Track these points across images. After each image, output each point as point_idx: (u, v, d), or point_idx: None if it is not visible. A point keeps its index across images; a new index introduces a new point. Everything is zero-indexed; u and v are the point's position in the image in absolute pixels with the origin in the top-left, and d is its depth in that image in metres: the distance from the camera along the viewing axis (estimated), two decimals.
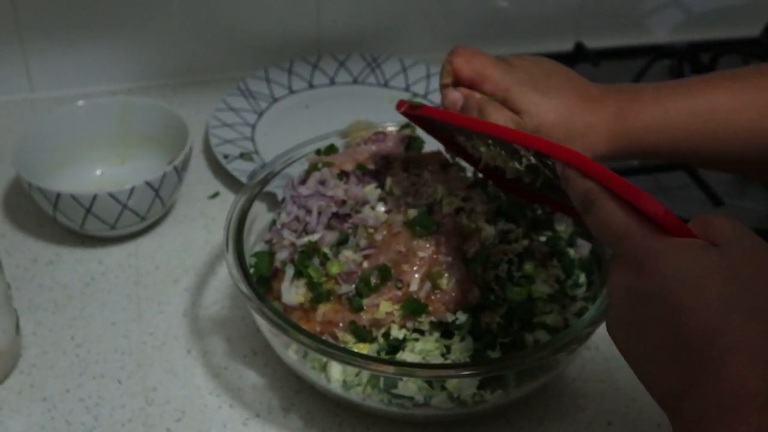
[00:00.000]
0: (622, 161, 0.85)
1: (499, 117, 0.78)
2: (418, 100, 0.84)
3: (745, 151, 0.81)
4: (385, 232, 0.84)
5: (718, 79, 0.83)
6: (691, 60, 1.42)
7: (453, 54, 0.83)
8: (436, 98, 1.29)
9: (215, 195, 1.14)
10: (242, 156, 1.16)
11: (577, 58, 1.42)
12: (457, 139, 0.85)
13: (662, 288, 0.56)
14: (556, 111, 0.79)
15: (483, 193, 0.88)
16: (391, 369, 0.76)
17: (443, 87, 0.83)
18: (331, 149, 0.96)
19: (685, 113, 0.80)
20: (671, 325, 0.55)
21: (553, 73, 0.83)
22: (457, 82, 0.82)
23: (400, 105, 0.86)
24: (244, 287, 0.82)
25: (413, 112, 0.84)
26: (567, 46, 1.43)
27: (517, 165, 0.79)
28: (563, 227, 0.92)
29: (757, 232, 1.06)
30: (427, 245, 0.83)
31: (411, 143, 0.93)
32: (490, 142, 0.79)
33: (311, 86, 1.32)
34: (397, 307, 0.81)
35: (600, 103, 0.81)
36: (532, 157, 0.75)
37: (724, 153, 0.81)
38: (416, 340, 0.81)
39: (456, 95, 0.81)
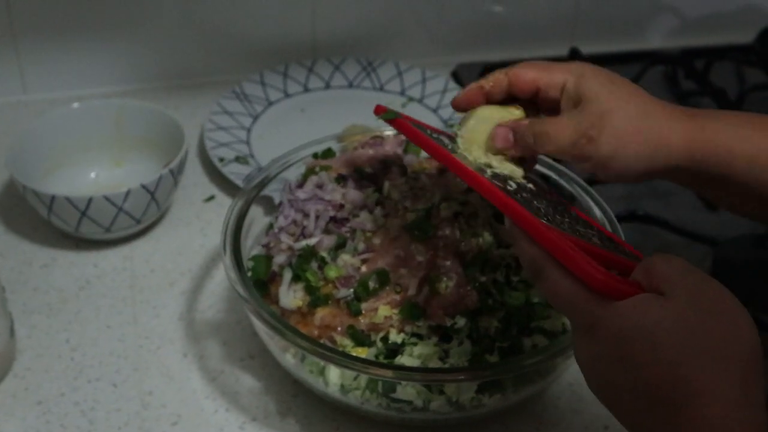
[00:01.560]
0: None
1: (559, 126, 0.73)
2: (397, 111, 0.83)
3: None
4: (382, 236, 0.84)
5: None
6: (685, 66, 1.42)
7: (510, 67, 0.78)
8: (431, 103, 1.29)
9: (211, 198, 1.13)
10: (238, 159, 1.15)
11: None
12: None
13: (617, 350, 0.57)
14: (629, 98, 0.73)
15: (480, 198, 0.88)
16: (389, 373, 0.76)
17: (477, 89, 0.79)
18: (328, 153, 0.96)
19: (755, 137, 0.73)
20: (636, 383, 0.56)
21: (617, 75, 0.76)
22: (510, 97, 0.78)
23: (377, 111, 0.84)
24: (241, 289, 0.82)
25: (389, 123, 0.83)
26: (562, 51, 1.43)
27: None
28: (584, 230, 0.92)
29: (754, 237, 1.08)
30: (425, 249, 0.83)
31: (409, 147, 0.93)
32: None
33: (306, 90, 1.32)
34: (395, 311, 0.81)
35: (672, 105, 0.75)
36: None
37: None
38: (415, 344, 0.81)
39: (503, 131, 0.76)
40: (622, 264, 0.67)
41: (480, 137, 0.78)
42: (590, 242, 0.70)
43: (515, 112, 0.78)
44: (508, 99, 0.79)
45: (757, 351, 0.56)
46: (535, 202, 0.72)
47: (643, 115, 0.72)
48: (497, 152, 0.77)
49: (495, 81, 0.78)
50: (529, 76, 0.77)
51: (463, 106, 0.80)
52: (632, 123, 0.72)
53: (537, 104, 0.79)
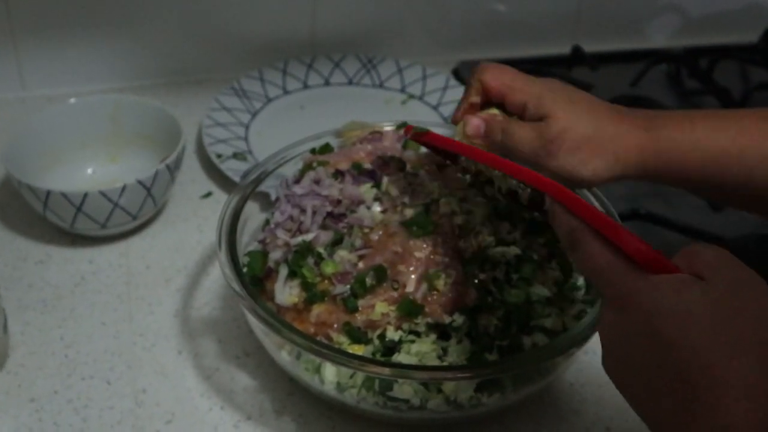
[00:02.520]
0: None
1: (524, 133, 0.79)
2: (424, 126, 0.87)
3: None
4: (381, 233, 0.83)
5: (749, 116, 0.80)
6: (688, 65, 1.41)
7: (480, 70, 0.84)
8: (431, 100, 1.28)
9: (208, 195, 1.12)
10: (235, 156, 1.15)
11: (574, 61, 1.41)
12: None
13: (648, 326, 0.56)
14: (585, 116, 0.79)
15: (481, 194, 0.87)
16: (386, 371, 0.75)
17: (468, 108, 0.84)
18: (326, 148, 0.95)
19: (713, 142, 0.78)
20: (661, 362, 0.55)
21: (580, 92, 0.82)
22: (485, 100, 0.84)
23: (407, 131, 0.89)
24: (236, 286, 0.80)
25: (418, 140, 0.88)
26: (564, 49, 1.42)
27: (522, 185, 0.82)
28: None
29: (757, 237, 1.07)
30: (424, 246, 0.82)
31: (407, 143, 0.92)
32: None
33: (306, 87, 1.31)
34: (392, 308, 0.80)
35: (628, 115, 0.80)
36: None
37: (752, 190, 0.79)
38: (412, 341, 0.79)
39: (477, 121, 0.82)
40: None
41: None
42: None
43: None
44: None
45: None
46: None
47: (599, 131, 0.78)
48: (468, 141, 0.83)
49: (476, 90, 0.84)
50: (495, 86, 0.83)
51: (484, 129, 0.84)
52: (588, 140, 0.78)
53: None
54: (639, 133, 0.78)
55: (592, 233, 0.62)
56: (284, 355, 0.82)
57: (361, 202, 0.85)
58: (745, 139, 0.77)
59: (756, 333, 0.54)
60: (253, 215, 0.94)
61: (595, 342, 0.80)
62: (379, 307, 0.79)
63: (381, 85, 1.32)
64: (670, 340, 0.55)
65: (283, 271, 0.83)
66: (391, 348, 0.79)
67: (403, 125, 0.93)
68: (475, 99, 0.84)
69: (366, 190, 0.86)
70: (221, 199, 1.10)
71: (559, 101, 0.79)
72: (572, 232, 0.63)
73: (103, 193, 0.97)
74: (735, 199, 0.81)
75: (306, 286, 0.82)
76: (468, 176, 0.90)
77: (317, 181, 0.88)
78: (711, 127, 0.78)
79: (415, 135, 0.87)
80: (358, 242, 0.83)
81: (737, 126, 0.78)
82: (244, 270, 0.84)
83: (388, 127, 0.95)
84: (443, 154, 0.90)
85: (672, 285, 0.57)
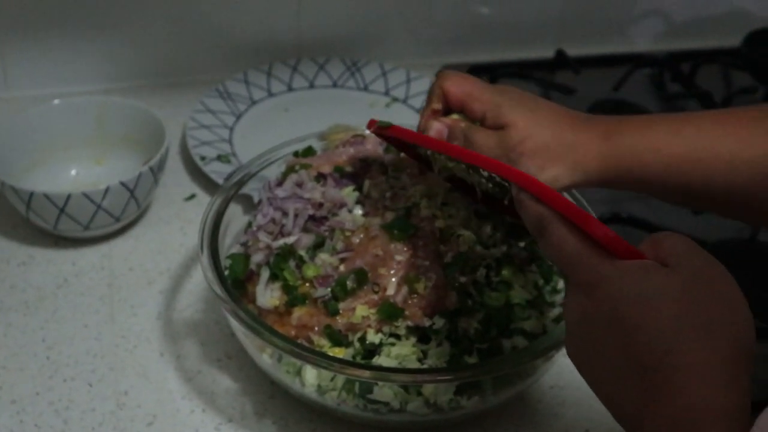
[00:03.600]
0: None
1: (485, 138, 0.79)
2: (386, 119, 0.85)
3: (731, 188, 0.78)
4: (362, 236, 0.83)
5: (706, 119, 0.80)
6: (671, 69, 1.42)
7: (441, 78, 0.84)
8: (415, 103, 1.29)
9: (192, 197, 1.13)
10: (220, 158, 1.15)
11: (557, 65, 1.42)
12: (425, 156, 0.87)
13: (614, 311, 0.57)
14: (545, 124, 0.79)
15: (462, 197, 0.88)
16: (366, 373, 0.75)
17: (431, 114, 0.83)
18: (308, 151, 0.95)
19: (671, 148, 0.78)
20: (625, 347, 0.56)
21: (540, 100, 0.83)
22: (446, 107, 0.84)
23: (370, 125, 0.87)
24: (218, 289, 0.81)
25: (382, 132, 0.86)
26: (548, 53, 1.43)
27: (483, 181, 0.81)
28: None
29: (737, 241, 1.07)
30: (405, 249, 0.82)
31: (390, 147, 0.92)
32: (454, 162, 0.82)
33: (290, 89, 1.31)
34: (373, 311, 0.80)
35: (588, 123, 0.80)
36: (496, 177, 0.77)
37: (710, 191, 0.78)
38: (392, 344, 0.80)
39: (440, 126, 0.82)
40: None
41: None
42: None
43: None
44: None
45: (751, 339, 0.56)
46: None
47: (559, 139, 0.78)
48: None
49: (438, 98, 0.83)
50: (454, 94, 0.82)
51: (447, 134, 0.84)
52: (547, 148, 0.78)
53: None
54: (599, 141, 0.78)
55: (560, 220, 0.62)
56: (265, 358, 0.82)
57: (342, 205, 0.86)
58: (702, 143, 0.77)
59: (717, 316, 0.55)
60: (236, 217, 0.94)
61: None
62: (360, 310, 0.80)
63: (365, 88, 1.32)
64: (634, 325, 0.56)
65: (265, 273, 0.84)
66: (372, 351, 0.80)
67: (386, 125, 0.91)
68: (437, 106, 0.83)
69: (348, 193, 0.87)
70: (205, 201, 1.10)
71: (518, 110, 0.79)
72: (540, 219, 0.64)
73: (86, 195, 0.97)
74: (699, 203, 0.82)
75: (287, 288, 0.82)
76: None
77: (299, 184, 0.88)
78: (670, 132, 0.78)
79: (378, 129, 0.86)
80: (340, 245, 0.83)
81: (695, 130, 0.78)
82: (226, 273, 0.85)
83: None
84: (410, 152, 0.89)
85: (637, 271, 0.58)
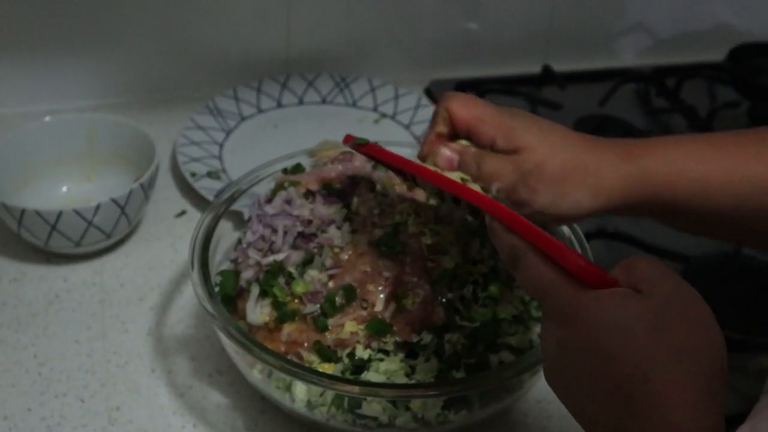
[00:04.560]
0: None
1: (500, 165, 0.75)
2: (366, 137, 0.85)
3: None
4: (350, 252, 0.84)
5: (728, 142, 0.79)
6: (656, 84, 1.44)
7: (447, 100, 0.79)
8: (404, 119, 1.30)
9: (182, 213, 1.13)
10: (210, 174, 1.16)
11: (544, 80, 1.43)
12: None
13: (589, 339, 0.58)
14: (561, 146, 0.76)
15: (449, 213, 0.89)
16: (355, 389, 0.76)
17: (436, 138, 0.80)
18: (297, 168, 0.96)
19: (699, 172, 0.76)
20: (602, 374, 0.57)
21: (552, 122, 0.79)
22: (451, 131, 0.80)
23: (346, 140, 0.87)
24: (209, 306, 0.81)
25: (358, 150, 0.86)
26: (534, 68, 1.44)
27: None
28: None
29: (722, 256, 1.08)
30: (393, 265, 0.83)
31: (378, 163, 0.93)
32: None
33: (280, 105, 1.32)
34: (362, 327, 0.81)
35: (605, 144, 0.78)
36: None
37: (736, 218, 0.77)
38: (381, 360, 0.81)
39: (449, 153, 0.78)
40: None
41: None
42: None
43: None
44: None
45: (723, 362, 0.57)
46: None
47: (579, 162, 0.75)
48: None
49: (444, 120, 0.79)
50: (462, 117, 0.78)
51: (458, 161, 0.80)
52: (568, 172, 0.75)
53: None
54: (620, 164, 0.76)
55: (533, 250, 0.63)
56: (256, 374, 0.83)
57: (331, 222, 0.87)
58: (731, 165, 0.76)
59: (690, 340, 0.56)
60: (227, 234, 0.95)
61: None
62: (349, 326, 0.81)
63: (354, 104, 1.33)
64: (610, 353, 0.57)
65: (255, 290, 0.84)
66: (361, 366, 0.81)
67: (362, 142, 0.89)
68: (443, 129, 0.79)
69: (336, 210, 0.88)
70: (195, 217, 1.11)
71: (531, 132, 0.76)
72: (514, 249, 0.65)
73: (77, 212, 0.98)
74: (721, 229, 0.79)
75: (277, 305, 0.83)
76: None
77: (288, 201, 0.89)
78: (697, 157, 0.76)
79: (354, 146, 0.86)
80: (329, 262, 0.84)
81: (719, 151, 0.77)
82: (217, 289, 0.85)
83: None
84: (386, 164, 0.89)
85: (611, 299, 0.59)
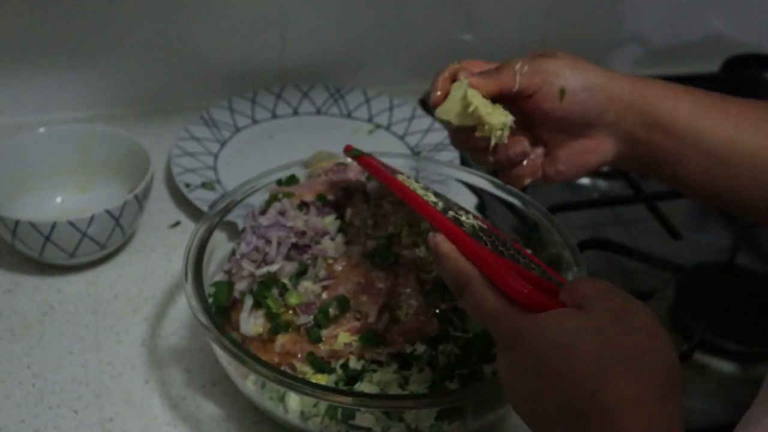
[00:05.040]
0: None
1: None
2: (361, 148, 0.87)
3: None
4: (344, 263, 0.84)
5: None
6: None
7: (461, 64, 0.84)
8: (398, 130, 1.30)
9: (176, 224, 1.13)
10: (204, 185, 1.16)
11: None
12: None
13: (538, 362, 0.59)
14: (579, 65, 0.80)
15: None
16: (348, 400, 0.76)
17: (446, 80, 0.82)
18: (291, 180, 0.96)
19: (703, 97, 0.80)
20: (556, 394, 0.58)
21: None
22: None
23: (346, 149, 0.89)
24: (202, 317, 0.81)
25: (353, 159, 0.87)
26: None
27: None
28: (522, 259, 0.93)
29: (716, 265, 1.09)
30: (386, 277, 0.83)
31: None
32: None
33: (274, 116, 1.32)
34: (355, 338, 0.81)
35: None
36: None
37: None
38: (374, 371, 0.81)
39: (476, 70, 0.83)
40: (555, 292, 0.68)
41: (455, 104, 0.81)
42: (529, 270, 0.71)
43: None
44: None
45: (674, 367, 0.58)
46: (481, 235, 0.74)
47: (594, 74, 0.80)
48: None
49: (452, 69, 0.83)
50: (476, 68, 0.83)
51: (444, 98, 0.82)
52: (582, 80, 0.79)
53: None
54: (632, 80, 0.80)
55: (478, 278, 0.64)
56: (249, 385, 0.83)
57: (325, 233, 0.87)
58: (735, 106, 0.80)
59: (637, 349, 0.57)
60: (221, 245, 0.95)
61: None
62: (342, 337, 0.81)
63: (349, 115, 1.33)
64: (557, 372, 0.57)
65: (248, 301, 0.84)
66: (354, 377, 0.81)
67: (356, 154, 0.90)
68: (453, 71, 0.83)
69: (330, 221, 0.88)
70: (189, 228, 1.11)
71: (558, 56, 0.81)
72: (458, 277, 0.66)
73: (71, 223, 0.98)
74: (724, 164, 0.79)
75: (270, 316, 0.83)
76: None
77: (282, 213, 0.89)
78: (697, 92, 0.81)
79: (350, 155, 0.88)
80: (322, 273, 0.84)
81: (720, 100, 0.80)
82: (210, 300, 0.85)
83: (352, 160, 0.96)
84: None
85: (554, 319, 0.60)
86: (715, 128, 0.78)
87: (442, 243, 0.68)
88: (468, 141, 0.81)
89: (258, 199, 0.95)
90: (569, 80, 0.79)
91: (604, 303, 0.60)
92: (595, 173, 1.22)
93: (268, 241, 0.87)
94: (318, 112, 1.34)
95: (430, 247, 0.68)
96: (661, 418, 0.55)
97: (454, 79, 0.82)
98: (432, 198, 0.79)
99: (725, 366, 0.98)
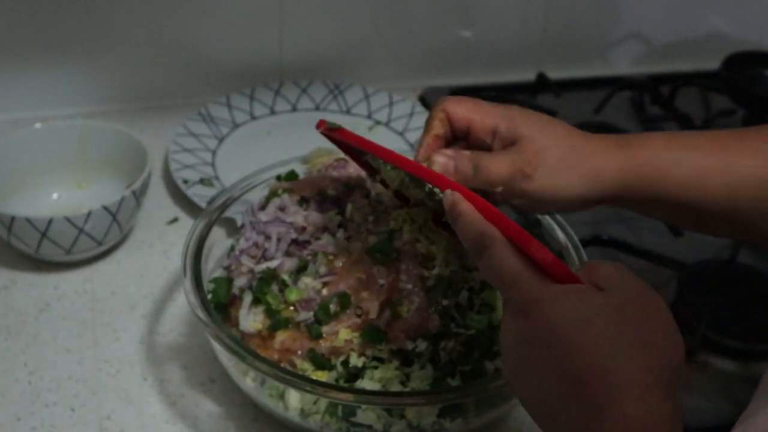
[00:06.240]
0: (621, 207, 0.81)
1: (497, 161, 0.75)
2: (336, 122, 0.84)
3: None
4: (344, 259, 0.83)
5: (724, 136, 0.78)
6: (651, 92, 1.43)
7: (443, 102, 0.79)
8: (398, 126, 1.29)
9: (174, 220, 1.13)
10: (202, 181, 1.15)
11: (539, 88, 1.43)
12: (371, 163, 0.86)
13: (551, 332, 0.58)
14: (560, 136, 0.76)
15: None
16: (349, 397, 0.76)
17: (432, 142, 0.78)
18: (291, 175, 0.96)
19: (694, 160, 0.76)
20: (562, 367, 0.57)
21: (548, 116, 0.80)
22: (451, 132, 0.79)
23: (319, 125, 0.85)
24: (201, 313, 0.81)
25: (330, 134, 0.84)
26: (529, 76, 1.44)
27: (419, 191, 0.81)
28: None
29: (718, 262, 1.08)
30: (387, 273, 0.82)
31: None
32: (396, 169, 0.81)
33: (273, 112, 1.32)
34: (356, 334, 0.80)
35: (603, 136, 0.78)
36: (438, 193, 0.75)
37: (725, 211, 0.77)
38: (375, 368, 0.80)
39: (444, 159, 0.76)
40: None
41: None
42: None
43: None
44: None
45: (682, 362, 0.58)
46: None
47: (576, 151, 0.76)
48: None
49: (441, 122, 0.78)
50: (461, 114, 0.78)
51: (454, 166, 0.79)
52: (565, 160, 0.75)
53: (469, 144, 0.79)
54: (616, 152, 0.76)
55: (501, 239, 0.63)
56: (249, 382, 0.82)
57: (325, 229, 0.86)
58: (726, 156, 0.76)
59: (650, 338, 0.57)
60: (219, 241, 0.95)
61: None
62: (343, 333, 0.80)
63: (348, 112, 1.33)
64: (570, 347, 0.57)
65: (248, 297, 0.84)
66: (355, 374, 0.80)
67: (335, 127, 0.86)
68: (439, 131, 0.78)
69: (330, 217, 0.87)
70: (188, 224, 1.10)
71: (531, 122, 0.76)
72: (481, 236, 0.64)
73: (68, 219, 0.97)
74: (715, 222, 0.78)
75: (270, 313, 0.82)
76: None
77: (282, 208, 0.88)
78: (690, 147, 0.76)
79: (327, 130, 0.84)
80: (323, 269, 0.83)
81: (716, 144, 0.77)
82: (209, 297, 0.85)
83: None
84: (357, 158, 0.88)
85: (574, 293, 0.59)
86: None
87: (461, 202, 0.67)
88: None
89: (256, 196, 0.95)
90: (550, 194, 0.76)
91: (625, 287, 0.60)
92: None
93: (268, 237, 0.86)
94: (317, 108, 1.33)
95: (446, 205, 0.68)
96: (663, 410, 0.55)
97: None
98: None
99: (726, 363, 0.98)
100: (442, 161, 0.76)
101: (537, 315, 0.59)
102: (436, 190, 0.76)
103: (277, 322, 0.81)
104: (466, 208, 0.66)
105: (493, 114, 0.77)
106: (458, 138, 0.79)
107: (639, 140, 0.78)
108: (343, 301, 0.81)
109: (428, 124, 0.79)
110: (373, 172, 0.88)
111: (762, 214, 0.76)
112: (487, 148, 0.77)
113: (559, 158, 0.75)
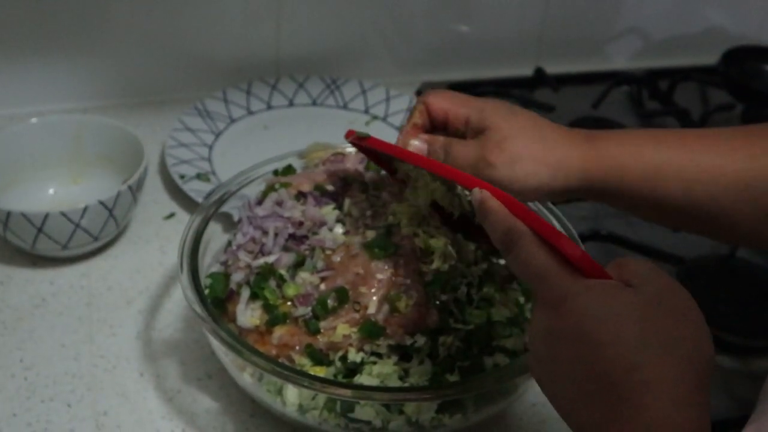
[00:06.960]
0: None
1: (465, 148, 0.79)
2: (366, 131, 0.85)
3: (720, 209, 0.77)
4: (342, 254, 0.83)
5: (690, 134, 0.80)
6: (649, 87, 1.43)
7: (425, 95, 0.84)
8: (395, 121, 1.29)
9: (171, 216, 1.12)
10: (199, 176, 1.14)
11: (536, 83, 1.42)
12: (402, 171, 0.87)
13: (580, 326, 0.58)
14: (527, 127, 0.79)
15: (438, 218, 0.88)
16: (348, 392, 0.75)
17: (410, 131, 0.83)
18: (288, 170, 0.95)
19: (654, 156, 0.78)
20: (589, 362, 0.57)
21: (523, 109, 0.82)
22: (430, 123, 0.83)
23: (348, 135, 0.86)
24: (198, 309, 0.80)
25: (359, 143, 0.85)
26: (527, 71, 1.44)
27: (458, 203, 0.82)
28: None
29: (717, 258, 1.08)
30: (386, 267, 0.82)
31: (370, 165, 0.92)
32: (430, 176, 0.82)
33: (270, 107, 1.31)
34: (354, 330, 0.80)
35: (570, 130, 0.81)
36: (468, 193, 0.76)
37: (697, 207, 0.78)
38: (374, 363, 0.80)
39: (418, 144, 0.82)
40: None
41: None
42: None
43: None
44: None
45: (712, 359, 0.58)
46: None
47: (541, 140, 0.78)
48: None
49: (420, 112, 0.83)
50: (438, 105, 0.82)
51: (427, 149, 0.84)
52: (529, 149, 0.77)
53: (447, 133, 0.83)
54: (581, 145, 0.78)
55: (530, 235, 0.63)
56: (246, 377, 0.82)
57: (323, 223, 0.85)
58: (685, 154, 0.77)
59: (679, 335, 0.57)
60: (216, 236, 0.94)
61: None
62: (341, 328, 0.80)
63: (345, 106, 1.32)
64: (599, 342, 0.57)
65: (245, 293, 0.83)
66: (353, 369, 0.80)
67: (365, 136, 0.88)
68: (418, 120, 0.83)
69: (328, 211, 0.86)
70: (184, 219, 1.09)
71: (500, 113, 0.79)
72: (511, 232, 0.65)
73: (64, 214, 0.96)
74: (675, 217, 0.80)
75: (268, 308, 0.82)
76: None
77: (279, 203, 0.88)
78: (653, 141, 0.78)
79: (356, 139, 0.85)
80: (320, 264, 0.83)
81: (679, 142, 0.78)
82: (206, 292, 0.84)
83: (350, 149, 0.95)
84: (387, 167, 0.89)
85: (604, 288, 0.59)
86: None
87: (490, 199, 0.67)
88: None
89: (253, 190, 0.94)
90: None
91: (655, 283, 0.60)
92: None
93: (265, 232, 0.86)
94: (314, 103, 1.33)
95: (475, 202, 0.68)
96: (692, 406, 0.55)
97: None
98: None
99: (726, 360, 0.98)
100: (417, 144, 0.82)
101: (566, 308, 0.59)
102: (466, 192, 0.77)
103: (274, 318, 0.81)
104: (495, 205, 0.67)
105: (467, 105, 0.81)
106: (437, 128, 0.84)
107: (605, 134, 0.80)
108: (341, 296, 0.80)
109: (409, 115, 0.84)
110: (403, 181, 0.88)
111: (721, 209, 0.76)
112: (463, 137, 0.81)
113: (522, 148, 0.77)
